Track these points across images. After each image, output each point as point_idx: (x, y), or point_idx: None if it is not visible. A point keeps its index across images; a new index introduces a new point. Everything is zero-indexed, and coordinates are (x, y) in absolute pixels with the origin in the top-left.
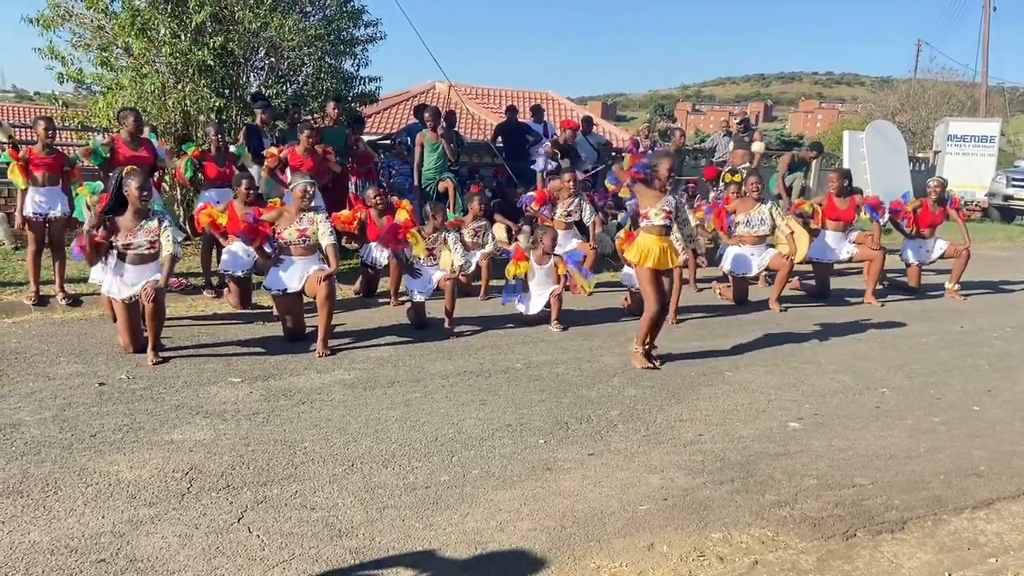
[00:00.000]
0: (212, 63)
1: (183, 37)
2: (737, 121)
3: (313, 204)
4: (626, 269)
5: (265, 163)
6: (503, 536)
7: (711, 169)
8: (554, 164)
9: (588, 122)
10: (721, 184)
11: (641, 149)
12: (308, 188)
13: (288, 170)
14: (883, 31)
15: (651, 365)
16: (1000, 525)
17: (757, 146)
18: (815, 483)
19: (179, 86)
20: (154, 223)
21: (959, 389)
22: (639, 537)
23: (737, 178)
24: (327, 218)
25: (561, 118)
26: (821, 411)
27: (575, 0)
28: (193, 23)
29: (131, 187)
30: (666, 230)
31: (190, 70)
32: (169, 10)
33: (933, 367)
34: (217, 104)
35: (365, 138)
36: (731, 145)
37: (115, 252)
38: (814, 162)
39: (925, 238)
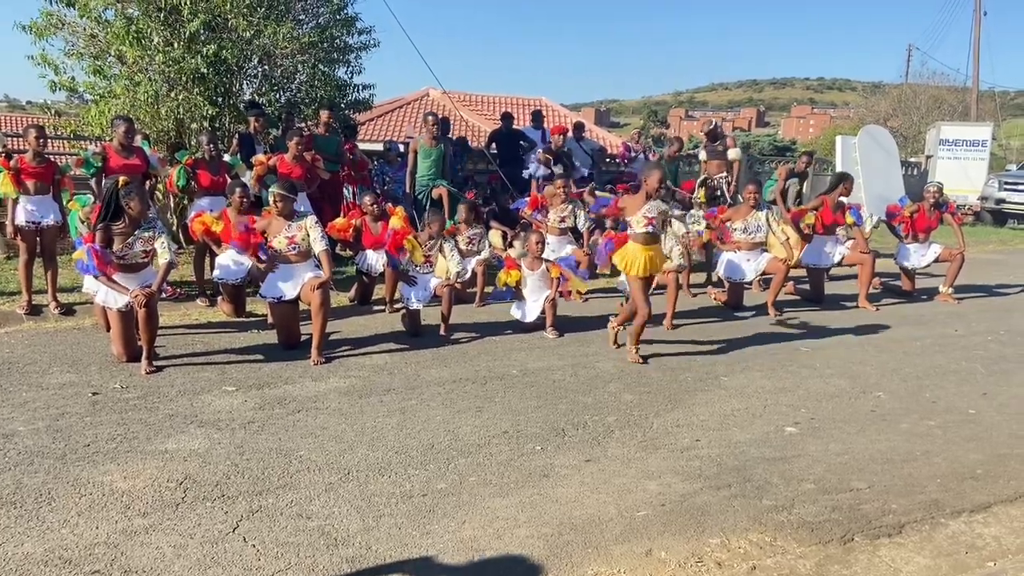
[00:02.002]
0: (205, 71)
1: (176, 45)
2: (705, 131)
3: (301, 209)
4: (622, 276)
5: (254, 171)
6: (500, 543)
7: (688, 184)
8: (547, 171)
9: (580, 128)
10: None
11: (633, 154)
12: (285, 195)
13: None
14: (874, 37)
15: (643, 360)
16: (998, 528)
17: (733, 153)
18: (812, 487)
19: (172, 94)
20: (149, 232)
21: (954, 392)
22: (637, 543)
23: (702, 196)
24: (317, 223)
25: (554, 124)
26: (817, 415)
27: (570, 7)
28: (187, 32)
29: (133, 200)
30: (651, 238)
31: (183, 78)
32: (162, 18)
33: (928, 371)
34: (210, 112)
35: (360, 146)
36: (702, 154)
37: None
38: (808, 167)
39: (920, 242)
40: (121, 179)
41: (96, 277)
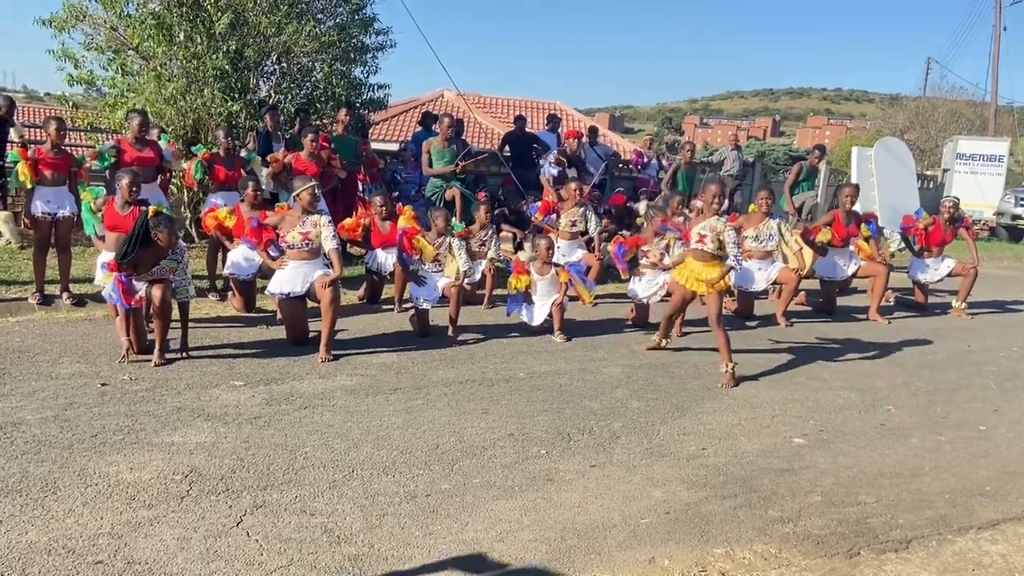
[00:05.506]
0: (227, 68)
1: (198, 40)
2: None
3: (318, 207)
4: (632, 282)
5: (270, 167)
6: (503, 547)
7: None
8: (559, 170)
9: (594, 132)
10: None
11: (645, 159)
12: (316, 191)
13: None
14: (893, 49)
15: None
16: (1006, 546)
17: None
18: (819, 500)
19: (192, 88)
20: (173, 263)
21: (965, 408)
22: (640, 551)
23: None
24: (330, 221)
25: (569, 129)
26: (826, 427)
27: (584, 11)
28: (215, 29)
29: (162, 232)
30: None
31: (205, 74)
32: (183, 13)
33: (939, 385)
34: (232, 108)
35: (374, 145)
36: (729, 161)
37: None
38: (821, 177)
39: (934, 256)
40: (151, 209)
41: (126, 310)
